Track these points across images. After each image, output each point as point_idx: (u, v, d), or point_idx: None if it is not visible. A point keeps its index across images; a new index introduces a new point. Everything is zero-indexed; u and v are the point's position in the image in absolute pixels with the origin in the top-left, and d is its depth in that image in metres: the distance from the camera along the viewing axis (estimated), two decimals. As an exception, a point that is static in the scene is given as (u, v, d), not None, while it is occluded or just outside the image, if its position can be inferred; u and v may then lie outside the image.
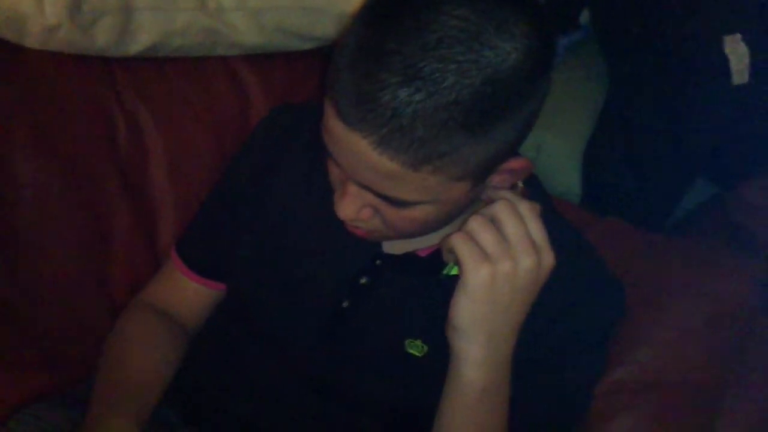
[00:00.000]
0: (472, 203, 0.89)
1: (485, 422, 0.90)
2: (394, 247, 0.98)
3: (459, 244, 0.86)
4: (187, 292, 1.12)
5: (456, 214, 0.90)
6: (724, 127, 1.32)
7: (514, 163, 0.87)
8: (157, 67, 1.31)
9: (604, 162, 1.35)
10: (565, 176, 1.36)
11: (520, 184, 0.90)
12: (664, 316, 1.07)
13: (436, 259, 0.93)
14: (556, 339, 0.95)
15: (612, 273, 0.99)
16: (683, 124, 1.32)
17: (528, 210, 0.87)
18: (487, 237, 0.85)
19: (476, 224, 0.86)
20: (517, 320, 0.88)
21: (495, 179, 0.87)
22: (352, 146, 0.80)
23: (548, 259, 0.87)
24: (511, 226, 0.86)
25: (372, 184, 0.82)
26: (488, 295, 0.86)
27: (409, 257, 0.97)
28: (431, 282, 0.94)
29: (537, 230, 0.86)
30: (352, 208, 0.87)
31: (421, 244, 0.97)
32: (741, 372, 1.11)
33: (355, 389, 1.00)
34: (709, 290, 1.08)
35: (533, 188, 0.95)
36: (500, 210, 0.86)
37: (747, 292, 1.08)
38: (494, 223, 0.86)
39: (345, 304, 0.99)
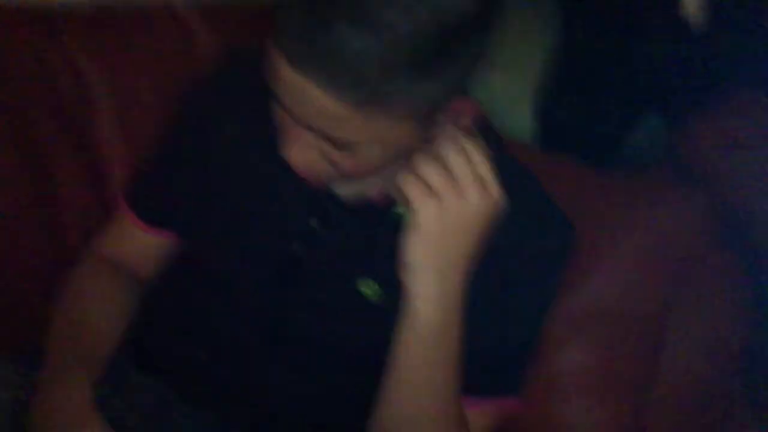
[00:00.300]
0: (421, 145, 0.90)
1: (439, 359, 0.91)
2: (345, 190, 0.98)
3: (406, 182, 0.86)
4: (139, 243, 1.11)
5: (405, 156, 0.90)
6: (674, 62, 1.33)
7: (460, 104, 0.87)
8: (105, 20, 1.29)
9: (555, 100, 1.36)
10: (517, 116, 1.36)
11: (468, 124, 0.91)
12: (612, 250, 1.09)
13: (388, 200, 0.93)
14: (508, 275, 0.96)
15: (561, 210, 1.00)
16: (634, 59, 1.33)
17: (474, 147, 0.87)
18: (433, 174, 0.86)
19: (423, 162, 0.86)
20: (469, 257, 0.89)
21: (443, 120, 0.87)
22: (298, 88, 0.79)
23: (496, 194, 0.88)
24: (457, 163, 0.86)
25: (319, 126, 0.82)
26: (437, 232, 0.86)
27: (361, 200, 0.98)
28: (384, 224, 0.94)
29: (483, 166, 0.87)
30: (301, 152, 0.87)
31: (373, 187, 0.97)
32: (686, 302, 1.14)
33: (311, 333, 1.00)
34: (656, 224, 1.10)
35: (484, 129, 0.95)
36: (447, 148, 0.87)
37: (692, 224, 1.10)
38: (441, 160, 0.86)
39: (297, 249, 0.99)
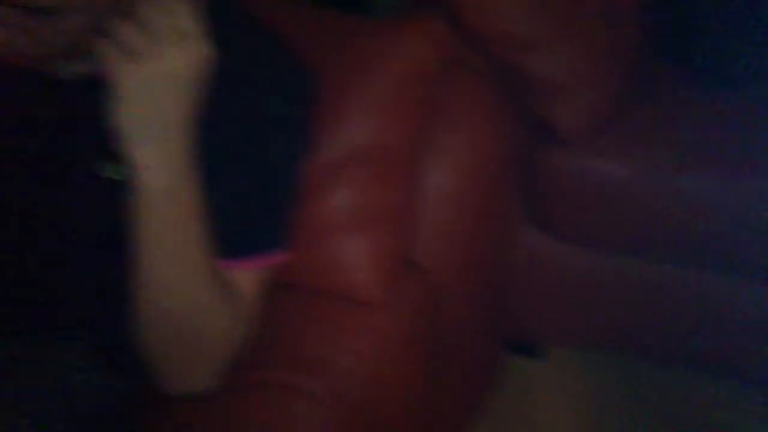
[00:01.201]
0: (122, 7, 0.85)
1: (177, 225, 0.89)
2: (65, 70, 0.93)
3: (102, 47, 0.83)
4: None
5: (110, 23, 0.85)
6: None
7: None
8: None
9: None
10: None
11: None
12: (363, 90, 1.08)
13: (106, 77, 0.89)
14: (251, 130, 0.94)
15: (298, 58, 0.98)
16: None
17: (175, 2, 0.84)
18: (129, 35, 0.83)
19: (116, 24, 0.83)
20: (183, 117, 0.87)
21: None
22: None
23: (201, 49, 0.85)
24: (153, 21, 0.83)
25: None
26: (141, 95, 0.84)
27: (82, 78, 0.93)
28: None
29: (186, 21, 0.84)
30: None
31: (91, 63, 0.92)
32: (445, 127, 1.16)
33: (67, 224, 0.97)
34: (403, 56, 1.09)
35: None
36: (143, 5, 0.83)
37: (438, 51, 1.11)
38: (138, 20, 0.83)
39: (29, 137, 0.95)
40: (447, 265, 1.21)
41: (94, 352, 1.00)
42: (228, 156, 0.92)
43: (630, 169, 1.42)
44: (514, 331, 1.64)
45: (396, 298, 1.11)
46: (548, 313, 1.62)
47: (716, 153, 1.40)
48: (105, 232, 0.96)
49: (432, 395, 1.19)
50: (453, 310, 1.23)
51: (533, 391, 1.66)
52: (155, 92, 0.83)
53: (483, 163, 1.22)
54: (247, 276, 0.97)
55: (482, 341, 1.39)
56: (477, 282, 1.29)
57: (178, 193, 0.88)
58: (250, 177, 0.95)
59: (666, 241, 1.45)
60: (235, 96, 0.90)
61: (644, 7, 1.50)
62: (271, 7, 1.12)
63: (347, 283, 1.08)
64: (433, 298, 1.17)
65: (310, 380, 1.02)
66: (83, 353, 1.00)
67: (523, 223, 1.51)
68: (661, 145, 1.43)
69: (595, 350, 1.68)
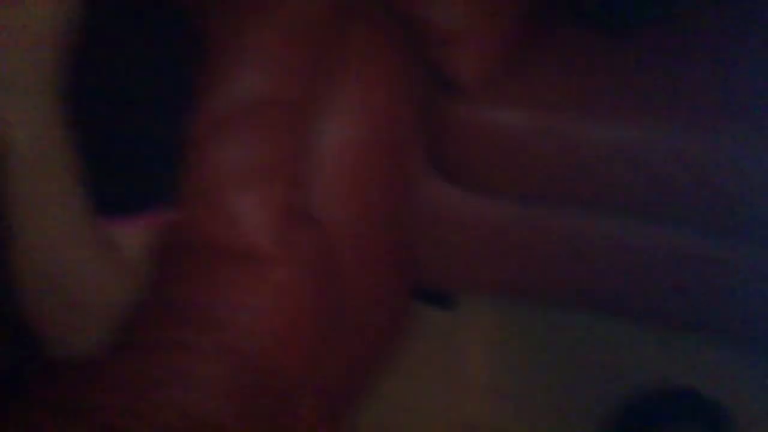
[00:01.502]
0: None
1: (49, 186, 0.86)
2: None
3: None
4: None
5: None
6: None
7: None
8: None
9: None
10: None
11: None
12: (253, 38, 1.06)
13: None
14: (133, 83, 0.92)
15: (183, 8, 0.96)
16: None
17: None
18: None
19: None
20: (47, 69, 0.83)
21: None
22: None
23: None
24: None
25: None
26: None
27: None
28: None
29: None
30: None
31: None
32: (341, 76, 1.15)
33: None
34: (286, 5, 1.08)
35: None
36: None
37: (326, 1, 1.10)
38: None
39: None
40: (345, 218, 1.20)
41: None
42: (108, 110, 0.90)
43: (532, 118, 1.42)
44: (426, 281, 1.65)
45: (292, 253, 1.10)
46: (459, 263, 1.63)
47: (617, 99, 1.41)
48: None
49: (333, 349, 1.19)
50: (353, 263, 1.22)
51: (446, 340, 1.68)
52: (14, 42, 0.79)
53: (380, 115, 1.22)
54: (130, 234, 0.95)
55: (386, 293, 1.40)
56: (377, 234, 1.29)
57: (45, 148, 0.85)
58: (132, 132, 0.93)
59: (571, 188, 1.46)
60: (116, 48, 0.88)
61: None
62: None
63: (240, 239, 1.07)
64: (331, 252, 1.17)
65: (202, 338, 1.01)
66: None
67: (429, 174, 1.51)
68: (562, 92, 1.43)
69: (506, 298, 1.70)
